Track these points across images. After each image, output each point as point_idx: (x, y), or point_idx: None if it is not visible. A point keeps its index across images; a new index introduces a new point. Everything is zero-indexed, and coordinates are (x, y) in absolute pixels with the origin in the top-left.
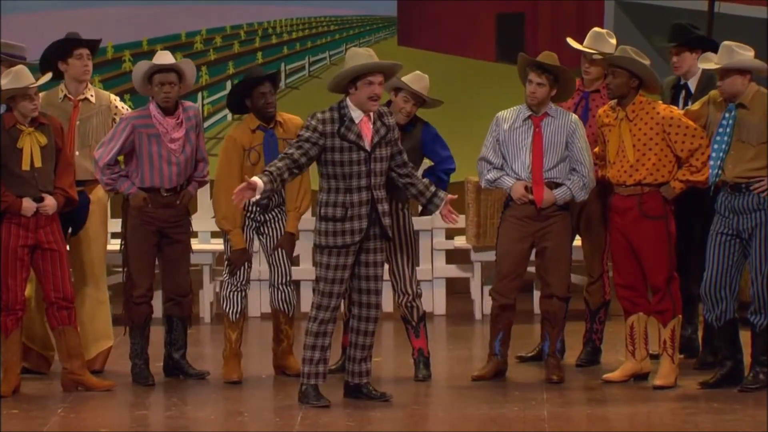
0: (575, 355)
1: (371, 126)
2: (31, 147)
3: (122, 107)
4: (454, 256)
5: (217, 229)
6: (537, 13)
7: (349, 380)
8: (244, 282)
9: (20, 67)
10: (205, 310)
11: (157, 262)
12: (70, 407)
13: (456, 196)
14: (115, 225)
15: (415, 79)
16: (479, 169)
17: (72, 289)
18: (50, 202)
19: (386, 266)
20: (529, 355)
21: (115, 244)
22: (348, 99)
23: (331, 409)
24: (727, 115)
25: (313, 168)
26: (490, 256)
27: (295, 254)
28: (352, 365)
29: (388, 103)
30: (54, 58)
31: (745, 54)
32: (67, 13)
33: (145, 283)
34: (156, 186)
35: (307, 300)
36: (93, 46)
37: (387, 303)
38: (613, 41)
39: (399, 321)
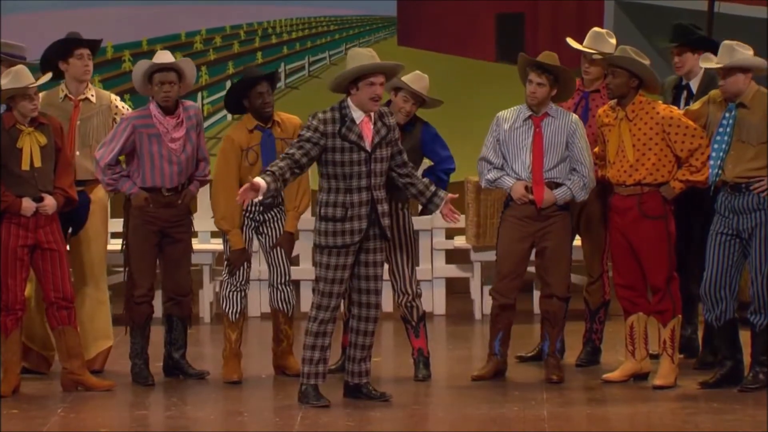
0: (575, 355)
1: (372, 126)
2: (30, 147)
3: (123, 107)
4: (454, 256)
5: (217, 229)
6: (537, 13)
7: (348, 380)
8: (243, 282)
9: (20, 66)
10: (204, 310)
11: (158, 262)
12: (70, 407)
13: (456, 195)
14: (116, 225)
15: (414, 79)
16: (479, 169)
17: (72, 289)
18: (50, 202)
19: (386, 266)
20: (529, 355)
21: (115, 244)
22: (349, 99)
23: (331, 409)
24: (727, 114)
25: (313, 168)
26: (490, 256)
27: (294, 254)
28: (352, 365)
29: (388, 103)
30: (54, 58)
31: (745, 53)
32: (67, 13)
33: (146, 282)
34: (157, 186)
35: (306, 300)
36: (93, 46)
37: (387, 303)
38: (613, 41)
39: (399, 321)
